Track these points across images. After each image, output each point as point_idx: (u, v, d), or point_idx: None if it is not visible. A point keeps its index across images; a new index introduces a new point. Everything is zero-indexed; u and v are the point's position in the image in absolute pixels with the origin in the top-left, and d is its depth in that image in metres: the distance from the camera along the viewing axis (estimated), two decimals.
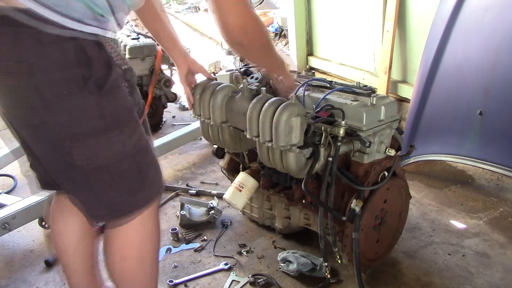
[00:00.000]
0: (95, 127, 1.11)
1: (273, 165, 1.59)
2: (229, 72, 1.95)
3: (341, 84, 1.73)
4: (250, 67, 1.96)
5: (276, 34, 5.56)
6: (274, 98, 1.50)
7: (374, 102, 1.56)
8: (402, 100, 3.03)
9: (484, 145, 2.17)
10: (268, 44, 1.45)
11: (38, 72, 1.03)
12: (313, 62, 3.94)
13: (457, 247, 1.95)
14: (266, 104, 1.48)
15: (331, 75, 3.68)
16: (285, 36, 5.29)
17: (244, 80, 1.68)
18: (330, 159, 1.50)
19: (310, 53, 4.00)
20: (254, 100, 1.52)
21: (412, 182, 2.44)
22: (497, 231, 2.04)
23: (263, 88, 1.58)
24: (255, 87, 1.63)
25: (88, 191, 1.21)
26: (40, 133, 1.13)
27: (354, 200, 1.57)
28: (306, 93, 1.68)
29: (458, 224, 2.10)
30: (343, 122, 1.47)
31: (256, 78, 1.71)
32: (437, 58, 2.32)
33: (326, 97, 1.62)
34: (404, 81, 3.05)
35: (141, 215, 1.27)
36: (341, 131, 1.46)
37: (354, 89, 1.65)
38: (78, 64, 1.05)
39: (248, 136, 1.56)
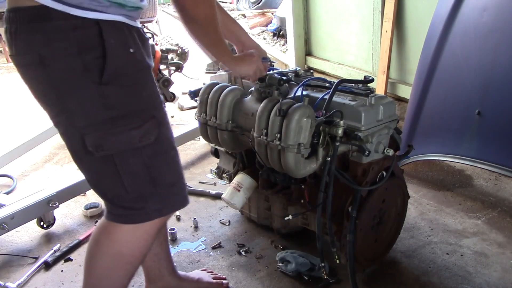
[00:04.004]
0: (99, 115, 1.11)
1: (271, 165, 1.59)
2: (227, 72, 1.95)
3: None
4: None
5: (274, 34, 5.56)
6: (286, 100, 1.54)
7: (372, 102, 1.56)
8: (400, 100, 3.03)
9: (483, 145, 2.17)
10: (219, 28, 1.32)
11: (49, 62, 1.06)
12: (312, 62, 3.94)
13: (455, 246, 1.95)
14: (279, 103, 1.52)
15: (329, 75, 3.68)
16: (283, 36, 5.29)
17: (255, 83, 1.71)
18: (329, 159, 1.50)
19: (308, 53, 4.00)
20: (266, 100, 1.58)
21: (410, 182, 2.44)
22: (496, 230, 2.05)
23: (276, 91, 1.63)
24: (267, 90, 1.67)
25: (98, 182, 1.23)
26: (60, 124, 1.16)
27: None
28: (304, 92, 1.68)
29: (457, 224, 2.11)
30: (341, 122, 1.47)
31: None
32: (435, 58, 2.32)
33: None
34: (402, 81, 3.05)
35: (136, 226, 1.23)
36: (339, 131, 1.46)
37: (353, 89, 1.65)
38: (79, 52, 1.05)
39: (255, 134, 1.58)
